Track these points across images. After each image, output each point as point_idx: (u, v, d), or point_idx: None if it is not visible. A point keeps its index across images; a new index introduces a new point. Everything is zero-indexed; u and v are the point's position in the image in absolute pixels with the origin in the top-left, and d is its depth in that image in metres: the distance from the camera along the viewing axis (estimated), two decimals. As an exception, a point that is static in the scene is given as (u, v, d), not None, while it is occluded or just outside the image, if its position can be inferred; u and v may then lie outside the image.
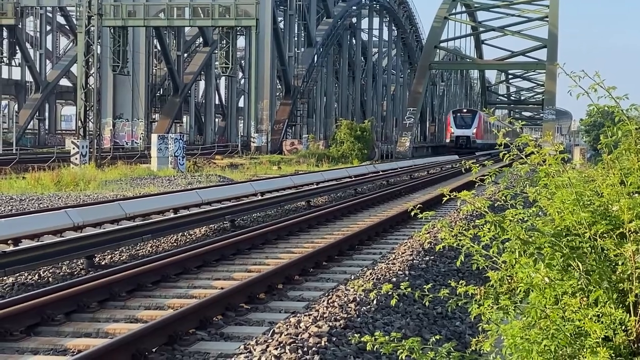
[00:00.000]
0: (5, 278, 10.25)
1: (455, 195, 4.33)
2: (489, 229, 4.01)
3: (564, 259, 3.87)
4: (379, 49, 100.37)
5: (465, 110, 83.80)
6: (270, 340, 6.59)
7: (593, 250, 3.87)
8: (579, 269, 3.83)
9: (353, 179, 30.31)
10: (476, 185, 4.76)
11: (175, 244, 14.06)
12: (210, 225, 16.01)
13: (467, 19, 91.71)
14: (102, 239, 12.38)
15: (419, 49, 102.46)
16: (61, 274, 11.17)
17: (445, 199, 4.28)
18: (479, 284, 4.31)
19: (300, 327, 7.00)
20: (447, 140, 79.74)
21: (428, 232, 4.57)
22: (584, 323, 3.71)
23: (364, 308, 7.75)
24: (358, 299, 8.05)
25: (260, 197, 20.83)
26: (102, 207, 15.30)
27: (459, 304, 4.29)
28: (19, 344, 7.18)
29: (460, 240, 4.18)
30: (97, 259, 11.97)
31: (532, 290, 3.96)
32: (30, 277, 10.77)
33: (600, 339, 3.67)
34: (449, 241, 4.14)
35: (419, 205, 4.69)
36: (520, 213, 4.05)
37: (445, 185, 26.81)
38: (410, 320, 7.84)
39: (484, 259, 4.21)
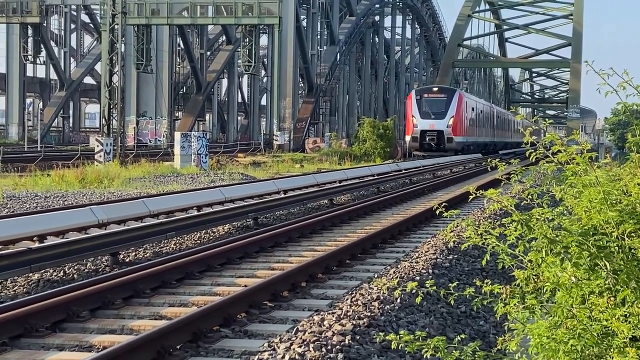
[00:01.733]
0: (31, 274, 10.33)
1: (481, 194, 4.31)
2: (515, 227, 3.99)
3: (591, 258, 3.84)
4: (401, 47, 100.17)
5: (435, 89, 54.51)
6: (294, 338, 6.59)
7: (621, 250, 3.84)
8: (607, 268, 3.80)
9: (376, 177, 30.27)
10: (502, 184, 4.74)
11: (199, 242, 14.11)
12: (234, 223, 16.05)
13: (490, 17, 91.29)
14: (127, 236, 12.45)
15: (442, 47, 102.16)
16: (86, 270, 11.25)
17: (471, 197, 4.26)
18: (503, 283, 4.30)
19: (324, 326, 7.00)
20: (408, 138, 51.59)
21: (452, 231, 4.55)
22: (611, 323, 3.68)
23: (388, 306, 7.74)
24: (382, 298, 8.04)
25: (283, 195, 20.85)
26: (126, 205, 15.39)
27: (484, 303, 4.27)
28: (45, 340, 7.24)
29: (486, 239, 4.17)
30: (121, 256, 12.04)
31: (559, 290, 3.94)
32: (55, 273, 10.85)
33: (628, 339, 3.64)
34: (475, 240, 4.13)
35: (443, 204, 4.67)
36: (547, 212, 4.03)
37: (469, 184, 26.72)
38: (434, 319, 7.82)
39: (510, 258, 4.19)
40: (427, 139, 50.18)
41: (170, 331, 6.85)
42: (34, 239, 12.14)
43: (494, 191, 4.09)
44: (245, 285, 9.31)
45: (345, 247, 11.84)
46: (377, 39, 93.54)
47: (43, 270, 10.60)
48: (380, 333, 6.47)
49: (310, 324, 7.06)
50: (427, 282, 4.42)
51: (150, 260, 11.55)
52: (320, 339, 6.53)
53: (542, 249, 3.93)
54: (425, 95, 52.13)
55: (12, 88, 69.61)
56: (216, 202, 18.32)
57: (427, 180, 30.23)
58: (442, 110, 50.57)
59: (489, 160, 4.66)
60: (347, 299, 8.20)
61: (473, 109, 55.69)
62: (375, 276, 9.77)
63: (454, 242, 11.14)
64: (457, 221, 4.67)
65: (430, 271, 9.93)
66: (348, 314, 7.41)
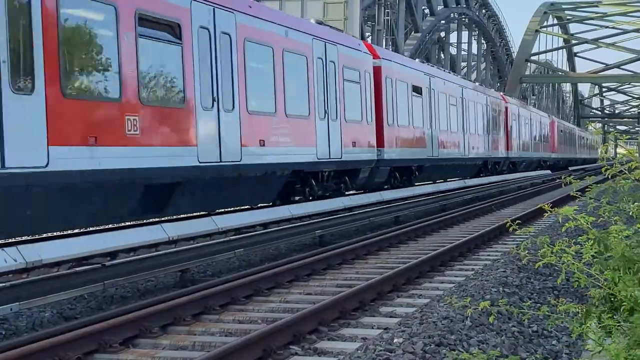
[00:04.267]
0: (104, 290, 10.51)
1: (555, 211, 4.25)
2: (591, 246, 3.93)
3: (671, 278, 3.76)
4: (467, 63, 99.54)
5: None
6: (363, 357, 6.57)
7: (702, 269, 3.75)
8: (687, 288, 3.71)
9: (442, 194, 30.06)
10: (576, 200, 4.67)
11: (266, 259, 14.21)
12: (300, 240, 16.12)
13: (559, 32, 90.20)
14: (196, 253, 12.61)
15: (509, 62, 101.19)
16: (157, 287, 11.42)
17: (546, 214, 4.21)
18: (575, 302, 4.23)
19: (393, 344, 6.96)
20: None
21: (525, 249, 4.50)
22: (692, 344, 3.59)
23: (458, 325, 7.66)
24: (451, 316, 7.96)
25: (349, 213, 20.84)
26: (196, 222, 15.57)
27: (558, 323, 4.21)
28: (119, 356, 7.36)
29: (560, 257, 4.11)
30: (191, 273, 12.18)
31: (637, 309, 3.86)
32: (127, 290, 11.04)
33: None
34: (550, 259, 4.07)
35: (517, 222, 4.62)
36: (624, 230, 3.96)
37: (539, 201, 26.34)
38: (506, 338, 7.71)
39: (585, 277, 4.12)
40: None
41: (240, 348, 6.89)
42: (107, 255, 12.36)
43: (570, 209, 4.04)
44: (314, 303, 9.33)
45: (413, 264, 11.77)
46: (442, 55, 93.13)
47: (116, 287, 10.79)
48: (452, 351, 6.42)
49: (380, 341, 7.03)
50: (500, 300, 4.38)
51: (219, 277, 11.67)
52: (391, 358, 6.49)
53: (619, 268, 3.86)
54: None
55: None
56: (283, 220, 18.41)
57: (494, 197, 29.89)
58: None
59: (562, 177, 4.60)
60: (416, 317, 8.14)
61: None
62: (444, 294, 9.68)
63: (525, 259, 10.97)
64: (530, 239, 4.62)
65: (501, 289, 9.80)
66: (418, 332, 7.36)
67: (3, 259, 10.24)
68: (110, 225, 15.53)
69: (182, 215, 17.14)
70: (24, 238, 12.90)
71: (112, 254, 12.48)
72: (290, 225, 17.12)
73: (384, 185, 27.26)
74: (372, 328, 8.34)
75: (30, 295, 9.14)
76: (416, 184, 30.02)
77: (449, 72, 39.14)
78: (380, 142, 24.96)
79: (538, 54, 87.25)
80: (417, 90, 29.11)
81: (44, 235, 13.18)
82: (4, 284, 9.40)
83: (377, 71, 25.24)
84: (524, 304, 4.65)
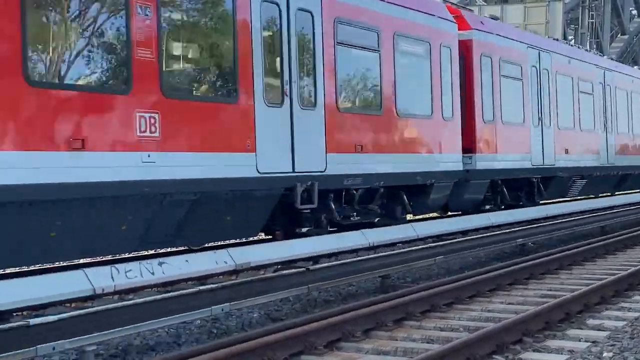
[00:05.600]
0: (308, 293, 10.81)
1: None
2: None
3: None
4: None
5: None
6: (571, 370, 6.39)
7: None
8: None
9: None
10: None
11: (466, 266, 14.08)
12: (501, 248, 15.85)
13: None
14: (396, 259, 12.69)
15: None
16: (358, 291, 11.61)
17: None
18: None
19: (602, 358, 6.72)
20: None
21: None
22: None
23: (673, 341, 7.27)
24: (665, 332, 7.57)
25: (551, 222, 20.25)
26: (395, 229, 15.70)
27: None
28: (324, 358, 7.55)
29: None
30: (391, 279, 12.28)
31: None
32: (330, 293, 11.30)
33: None
34: None
35: None
36: None
37: None
38: None
39: None
40: None
41: (444, 355, 6.87)
42: (310, 260, 12.71)
43: None
44: (517, 312, 9.15)
45: (622, 276, 11.27)
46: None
47: (319, 291, 11.06)
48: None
49: (588, 355, 6.81)
50: None
51: (419, 284, 11.70)
52: (601, 372, 6.27)
53: None
54: None
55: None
56: (483, 227, 18.19)
57: None
58: None
59: None
60: (626, 331, 7.81)
61: None
62: (657, 308, 9.21)
63: None
64: None
65: None
66: (629, 347, 7.06)
67: (214, 261, 10.80)
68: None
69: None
70: (232, 241, 13.59)
71: (315, 259, 12.82)
72: (490, 233, 16.87)
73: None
74: (579, 341, 8.05)
75: (240, 296, 9.54)
76: None
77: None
78: None
79: None
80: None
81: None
82: (216, 285, 9.88)
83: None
84: None
